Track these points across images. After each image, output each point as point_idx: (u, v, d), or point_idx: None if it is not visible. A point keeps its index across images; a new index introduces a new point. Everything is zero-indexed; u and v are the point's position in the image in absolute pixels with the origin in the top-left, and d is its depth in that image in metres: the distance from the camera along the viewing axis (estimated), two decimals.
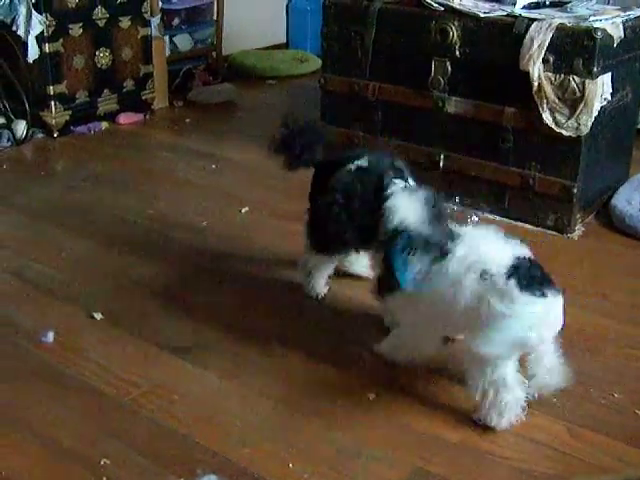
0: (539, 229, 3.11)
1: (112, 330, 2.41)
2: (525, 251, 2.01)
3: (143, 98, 4.46)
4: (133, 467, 1.86)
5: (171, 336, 2.38)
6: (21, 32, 3.85)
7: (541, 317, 1.91)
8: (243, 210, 3.26)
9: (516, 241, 2.03)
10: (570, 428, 2.00)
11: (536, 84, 2.94)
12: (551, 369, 2.05)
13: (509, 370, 1.94)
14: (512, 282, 1.88)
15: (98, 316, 2.47)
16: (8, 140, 3.95)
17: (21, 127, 3.98)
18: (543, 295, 1.90)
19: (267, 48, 5.70)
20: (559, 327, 1.98)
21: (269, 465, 1.87)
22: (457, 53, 3.13)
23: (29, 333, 2.38)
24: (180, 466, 1.85)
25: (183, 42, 5.00)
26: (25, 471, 1.86)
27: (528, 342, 1.93)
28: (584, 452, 1.93)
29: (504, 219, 3.17)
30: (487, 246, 1.99)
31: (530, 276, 1.91)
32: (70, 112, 4.10)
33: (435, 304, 2.01)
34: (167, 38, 4.79)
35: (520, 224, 3.12)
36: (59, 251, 2.89)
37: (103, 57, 4.17)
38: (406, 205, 2.06)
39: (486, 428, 1.98)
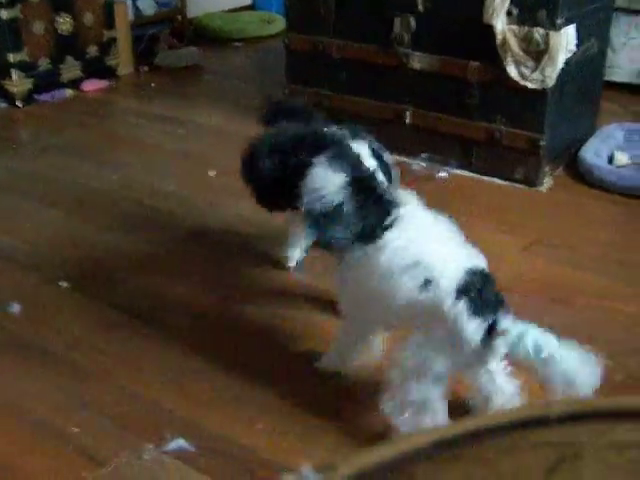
0: (507, 183, 3.11)
1: (78, 298, 2.39)
2: (481, 262, 1.73)
3: (107, 64, 4.39)
4: (103, 435, 1.86)
5: (138, 303, 2.37)
6: None
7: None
8: (211, 174, 3.23)
9: (471, 247, 1.76)
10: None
11: (500, 37, 2.92)
12: (503, 388, 1.81)
13: (437, 393, 1.71)
14: (462, 305, 1.61)
15: (64, 284, 2.45)
16: None
17: None
18: (495, 323, 1.63)
19: (233, 10, 5.62)
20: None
21: (237, 427, 1.87)
22: (420, 8, 3.09)
23: None
24: (149, 432, 1.85)
25: (147, 6, 4.91)
26: None
27: (468, 367, 1.75)
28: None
29: (472, 174, 3.17)
30: (435, 245, 1.71)
31: (483, 299, 1.62)
32: (32, 80, 4.03)
33: (366, 297, 1.78)
34: (130, 2, 4.71)
35: (488, 178, 3.12)
36: (24, 221, 2.86)
37: (64, 23, 4.10)
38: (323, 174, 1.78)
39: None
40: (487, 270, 1.72)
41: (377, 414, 1.78)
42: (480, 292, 1.63)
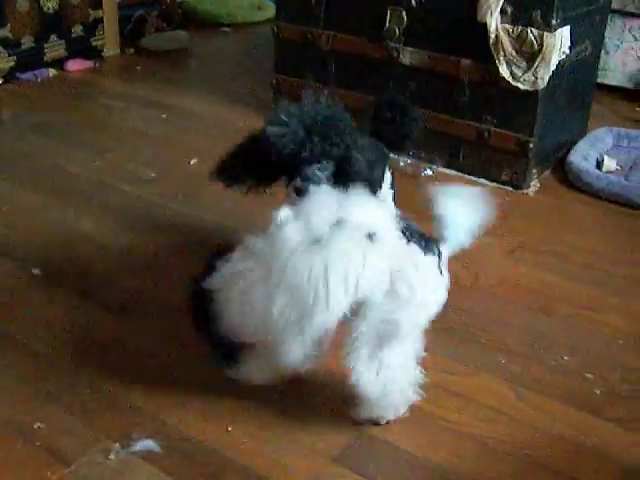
0: (494, 184, 3.06)
1: (50, 287, 2.33)
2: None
3: (93, 44, 4.31)
4: (68, 432, 1.80)
5: (111, 294, 2.31)
6: None
7: None
8: (192, 161, 3.16)
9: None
10: (517, 391, 1.96)
11: (493, 36, 2.86)
12: None
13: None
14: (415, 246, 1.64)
15: (36, 272, 2.38)
16: None
17: None
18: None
19: None
20: None
21: (207, 428, 1.81)
22: (413, 2, 3.03)
23: None
24: (116, 430, 1.79)
25: None
26: None
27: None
28: (531, 416, 1.89)
29: (459, 173, 3.12)
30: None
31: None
32: (15, 58, 3.94)
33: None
34: None
35: (475, 178, 3.07)
36: (0, 204, 2.79)
37: (49, 0, 4.01)
38: None
39: (431, 391, 1.93)
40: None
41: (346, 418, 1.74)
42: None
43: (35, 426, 1.80)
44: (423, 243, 1.66)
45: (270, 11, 5.20)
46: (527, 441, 1.81)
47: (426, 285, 1.65)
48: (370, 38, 3.18)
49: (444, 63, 3.04)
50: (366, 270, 1.51)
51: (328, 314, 1.51)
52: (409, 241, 1.63)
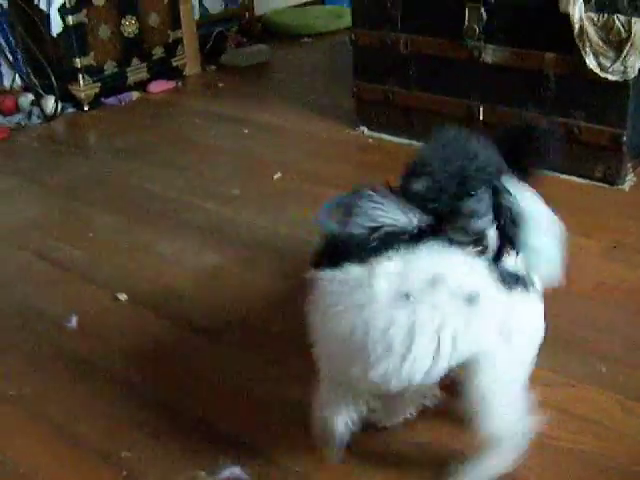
0: (586, 181, 2.93)
1: (137, 312, 2.32)
2: None
3: (174, 65, 4.34)
4: (154, 459, 1.77)
5: (199, 318, 2.28)
6: (43, 5, 3.76)
7: None
8: (275, 176, 3.13)
9: None
10: (622, 402, 1.84)
11: (577, 26, 2.74)
12: None
13: None
14: None
15: (122, 297, 2.38)
16: (38, 117, 3.88)
17: (50, 103, 3.90)
18: None
19: (302, 5, 5.53)
20: None
21: (295, 453, 1.76)
22: None
23: (52, 317, 2.30)
24: (202, 457, 1.75)
25: (213, 4, 4.87)
26: (44, 466, 1.78)
27: None
28: (638, 428, 1.77)
29: (548, 172, 2.99)
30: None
31: None
32: (99, 84, 4.00)
33: None
34: (196, 1, 4.66)
35: (565, 177, 2.94)
36: (86, 230, 2.81)
37: (129, 25, 4.06)
38: None
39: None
40: None
41: None
42: None
43: (122, 455, 1.79)
44: (521, 283, 1.54)
45: (350, 18, 5.15)
46: (636, 457, 1.69)
47: (534, 325, 1.56)
48: (449, 38, 3.09)
49: (527, 58, 2.93)
50: (468, 331, 1.41)
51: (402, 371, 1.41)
52: (510, 289, 1.50)
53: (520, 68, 2.96)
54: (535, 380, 1.89)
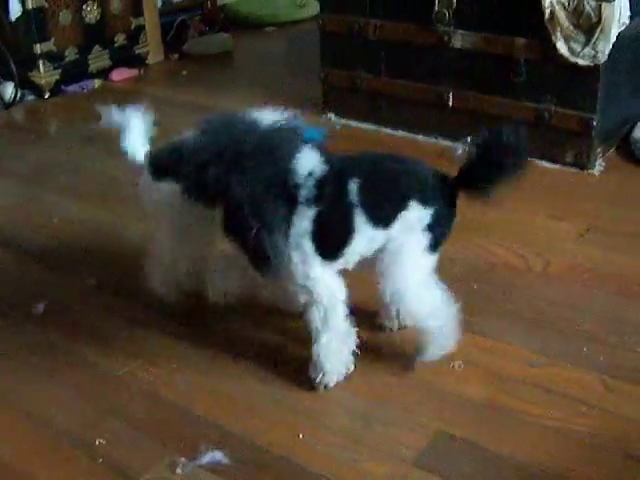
0: (557, 166, 2.92)
1: (106, 297, 2.27)
2: None
3: (136, 52, 4.27)
4: (133, 447, 1.72)
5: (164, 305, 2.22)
6: None
7: None
8: None
9: None
10: (605, 380, 1.83)
11: (548, 11, 2.73)
12: None
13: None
14: None
15: (91, 282, 2.32)
16: None
17: (9, 90, 3.80)
18: None
19: None
20: None
21: (278, 437, 1.72)
22: None
23: (19, 304, 2.24)
24: (182, 443, 1.71)
25: None
26: (16, 453, 1.73)
27: None
28: (622, 406, 1.76)
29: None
30: None
31: None
32: (60, 71, 3.91)
33: None
34: None
35: (536, 161, 2.93)
36: (52, 215, 2.74)
37: (91, 11, 3.97)
38: None
39: (514, 386, 1.82)
40: None
41: None
42: None
43: (97, 442, 1.73)
44: None
45: (312, 8, 5.12)
46: (622, 434, 1.68)
47: None
48: (419, 23, 3.07)
49: (498, 44, 2.92)
50: None
51: None
52: None
53: (490, 53, 2.95)
54: (518, 360, 1.90)
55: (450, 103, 3.09)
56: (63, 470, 1.68)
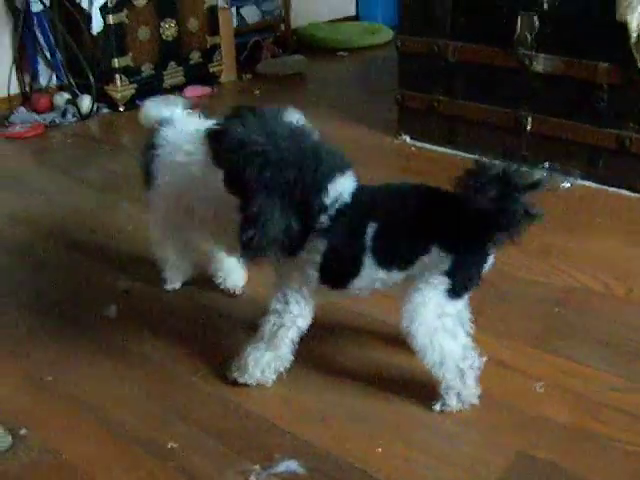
0: (637, 195, 2.85)
1: (180, 301, 2.26)
2: None
3: (210, 71, 4.32)
4: (204, 452, 1.69)
5: (246, 308, 2.21)
6: (84, 4, 3.74)
7: None
8: None
9: None
10: None
11: (635, 35, 2.68)
12: None
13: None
14: None
15: (170, 287, 2.32)
16: (73, 115, 3.85)
17: (86, 102, 3.87)
18: None
19: (337, 21, 5.51)
20: None
21: (355, 449, 1.68)
22: (545, 6, 2.88)
23: (92, 307, 2.24)
24: (256, 451, 1.68)
25: (250, 14, 4.84)
26: (87, 455, 1.71)
27: None
28: None
29: (598, 185, 2.93)
30: None
31: None
32: (135, 86, 3.98)
33: None
34: (234, 10, 4.64)
35: (616, 189, 2.87)
36: (124, 223, 2.76)
37: (168, 28, 4.03)
38: None
39: (597, 409, 1.76)
40: None
41: None
42: None
43: (169, 446, 1.71)
44: None
45: (384, 35, 5.16)
46: None
47: None
48: (499, 46, 3.04)
49: (580, 68, 2.87)
50: None
51: None
52: None
53: (572, 78, 2.90)
54: (599, 383, 1.84)
55: (528, 128, 3.05)
56: (135, 473, 1.65)
